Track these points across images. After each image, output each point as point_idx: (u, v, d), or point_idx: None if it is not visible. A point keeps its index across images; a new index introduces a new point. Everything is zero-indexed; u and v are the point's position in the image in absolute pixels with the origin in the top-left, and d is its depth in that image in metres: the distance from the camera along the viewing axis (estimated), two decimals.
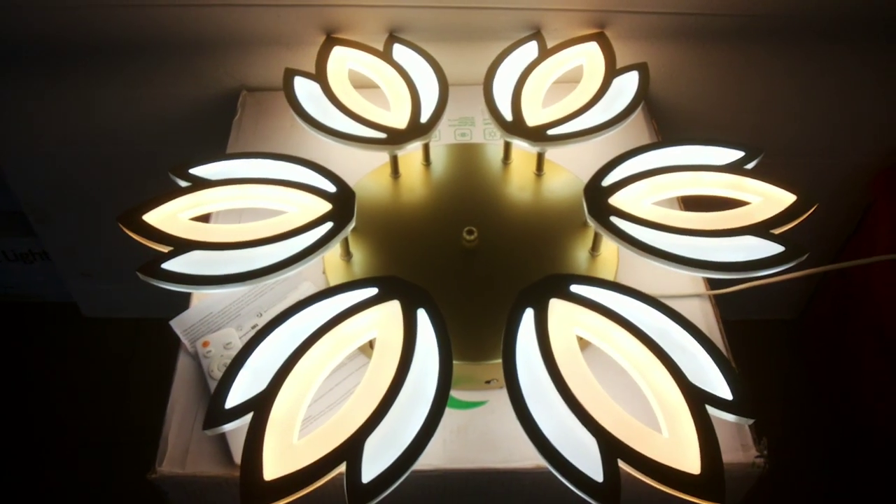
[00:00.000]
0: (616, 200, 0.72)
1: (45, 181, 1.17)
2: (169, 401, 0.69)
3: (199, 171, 0.76)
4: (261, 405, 0.58)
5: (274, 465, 0.55)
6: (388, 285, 0.66)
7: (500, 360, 0.60)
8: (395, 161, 0.83)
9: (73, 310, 1.46)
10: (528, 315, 0.64)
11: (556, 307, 0.64)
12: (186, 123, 1.05)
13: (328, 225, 0.70)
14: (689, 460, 0.55)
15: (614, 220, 0.70)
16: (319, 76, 0.87)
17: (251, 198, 0.75)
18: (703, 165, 0.75)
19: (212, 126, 0.99)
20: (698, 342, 0.62)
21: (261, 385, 0.60)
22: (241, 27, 0.92)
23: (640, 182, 0.74)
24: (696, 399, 0.58)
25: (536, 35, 0.92)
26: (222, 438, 0.66)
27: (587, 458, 0.55)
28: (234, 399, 0.59)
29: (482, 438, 0.66)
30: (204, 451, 0.65)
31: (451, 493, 0.67)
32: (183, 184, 0.75)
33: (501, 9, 0.91)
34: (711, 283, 0.78)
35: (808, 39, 0.93)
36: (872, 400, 1.20)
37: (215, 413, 0.58)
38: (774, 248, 0.68)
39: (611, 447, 0.56)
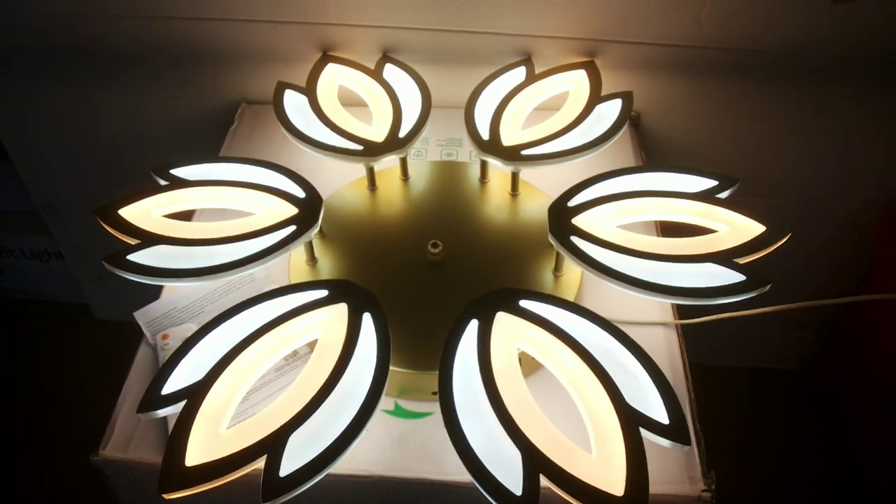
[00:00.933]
0: (580, 221, 0.72)
1: (59, 183, 1.22)
2: (122, 389, 0.70)
3: (179, 171, 0.79)
4: (194, 394, 0.59)
5: (197, 453, 0.56)
6: (339, 288, 0.67)
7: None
8: (371, 173, 0.84)
9: (86, 312, 1.50)
10: (473, 325, 0.63)
11: (502, 320, 0.64)
12: (189, 133, 1.08)
13: (291, 228, 0.72)
14: (614, 481, 0.54)
15: (576, 240, 0.70)
16: (309, 91, 0.89)
17: (223, 199, 0.77)
18: (674, 192, 0.75)
19: (214, 136, 1.02)
20: (641, 364, 0.61)
21: (200, 376, 0.61)
22: (241, 41, 0.95)
23: (607, 205, 0.73)
24: (630, 420, 0.57)
25: (526, 61, 0.93)
26: (165, 428, 0.67)
27: (511, 472, 0.54)
28: (171, 387, 0.60)
29: (422, 449, 0.66)
30: (148, 438, 0.66)
31: (387, 502, 0.66)
32: (163, 183, 0.78)
33: (493, 34, 0.92)
34: (679, 313, 0.76)
35: (802, 77, 0.92)
36: (875, 455, 1.15)
37: (151, 398, 0.59)
38: (736, 277, 0.66)
39: (534, 461, 0.54)
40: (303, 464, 0.55)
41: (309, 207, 0.74)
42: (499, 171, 0.86)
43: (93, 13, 0.94)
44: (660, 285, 0.66)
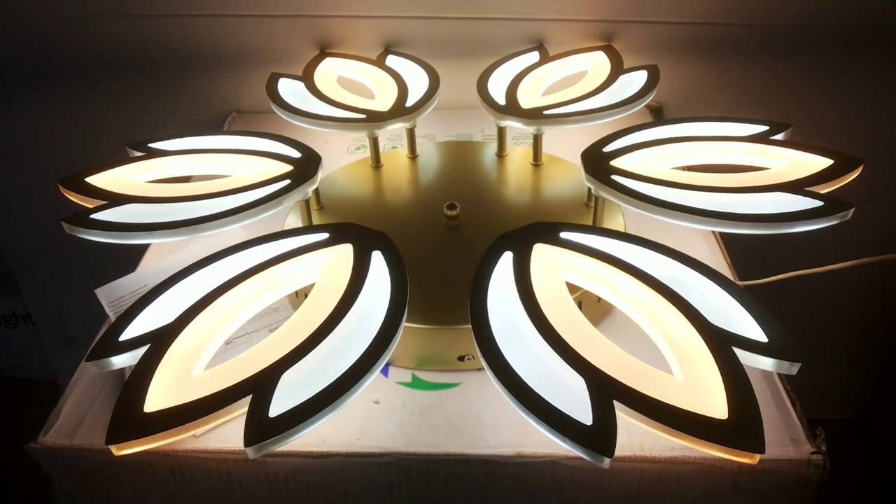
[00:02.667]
0: (620, 163, 0.62)
1: (31, 233, 1.12)
2: (75, 373, 0.57)
3: (159, 145, 0.69)
4: (160, 338, 0.47)
5: (161, 397, 0.43)
6: (342, 229, 0.56)
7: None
8: (375, 147, 0.74)
9: (53, 386, 1.35)
10: (507, 258, 0.52)
11: (542, 251, 0.53)
12: None
13: (286, 182, 0.61)
14: (711, 404, 0.41)
15: (618, 178, 0.60)
16: (306, 77, 0.82)
17: (210, 165, 0.67)
18: (722, 136, 0.66)
19: None
20: (721, 286, 0.49)
21: (169, 321, 0.48)
22: (234, 39, 0.89)
23: (647, 149, 0.64)
24: (720, 339, 0.45)
25: (539, 47, 0.86)
26: None
27: (574, 405, 0.41)
28: (133, 333, 0.48)
29: (450, 422, 0.52)
30: (101, 424, 0.52)
31: (407, 491, 0.51)
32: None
33: (501, 19, 0.87)
34: (741, 275, 0.65)
35: (836, 50, 0.86)
36: None
37: (104, 344, 0.46)
38: (811, 203, 0.56)
39: (603, 387, 0.42)
40: (298, 402, 0.41)
41: (306, 162, 0.64)
42: (518, 145, 0.77)
43: (62, 12, 0.87)
44: (728, 213, 0.55)
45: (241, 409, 0.42)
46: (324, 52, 0.88)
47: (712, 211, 0.55)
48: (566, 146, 0.74)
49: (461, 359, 0.55)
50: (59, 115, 0.97)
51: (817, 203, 0.55)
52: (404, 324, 0.47)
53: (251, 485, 0.51)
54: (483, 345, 0.45)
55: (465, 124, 0.89)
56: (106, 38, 0.90)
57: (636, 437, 0.49)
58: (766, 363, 0.44)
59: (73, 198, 0.62)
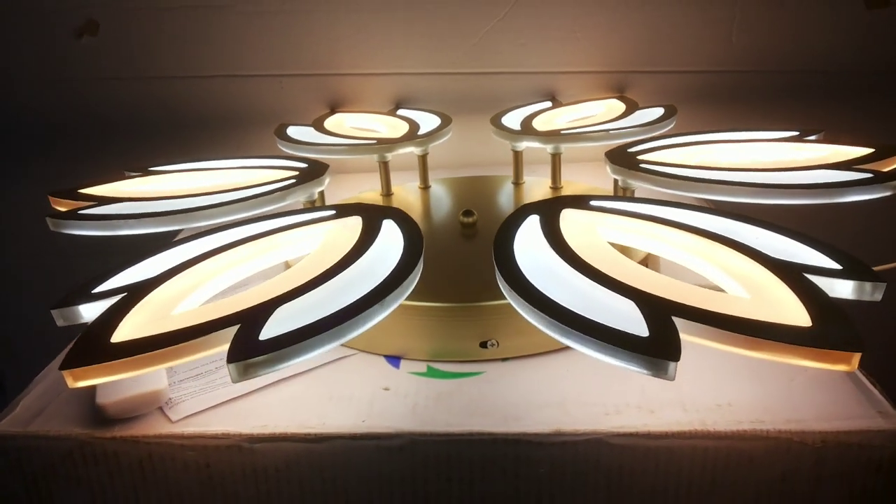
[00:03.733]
0: (646, 158, 0.58)
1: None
2: (42, 372, 0.49)
3: (160, 168, 0.67)
4: (139, 289, 0.40)
5: (132, 328, 0.36)
6: (350, 207, 0.51)
7: (496, 302, 0.43)
8: (385, 171, 0.71)
9: None
10: (532, 220, 0.47)
11: (572, 214, 0.47)
12: None
13: (291, 181, 0.57)
14: (791, 316, 0.34)
15: (646, 166, 0.56)
16: (315, 124, 0.80)
17: (210, 178, 0.63)
18: (752, 138, 0.62)
19: None
20: (778, 232, 0.43)
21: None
22: (244, 98, 0.88)
23: (674, 150, 0.60)
24: (789, 269, 0.38)
25: (551, 100, 0.86)
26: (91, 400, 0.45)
27: (626, 324, 0.34)
28: (110, 285, 0.42)
29: (472, 405, 0.44)
30: (64, 413, 0.44)
31: (423, 483, 0.42)
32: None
33: (513, 73, 0.86)
34: None
35: (852, 96, 0.85)
36: None
37: (75, 293, 0.40)
38: (862, 175, 0.51)
39: (659, 305, 0.35)
40: (291, 329, 0.35)
41: (313, 167, 0.61)
42: (534, 178, 0.74)
43: (74, 75, 0.88)
44: (775, 184, 0.50)
45: (226, 341, 0.35)
46: (334, 111, 0.88)
47: (756, 183, 0.50)
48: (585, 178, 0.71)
49: (483, 345, 0.48)
50: (66, 174, 0.95)
51: (867, 175, 0.51)
52: (419, 271, 0.41)
53: (234, 481, 0.42)
54: (510, 279, 0.38)
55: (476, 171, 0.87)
56: (117, 100, 0.90)
57: (695, 412, 0.41)
58: (845, 289, 0.37)
59: (58, 204, 0.58)
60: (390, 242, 0.44)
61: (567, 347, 0.41)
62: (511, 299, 0.38)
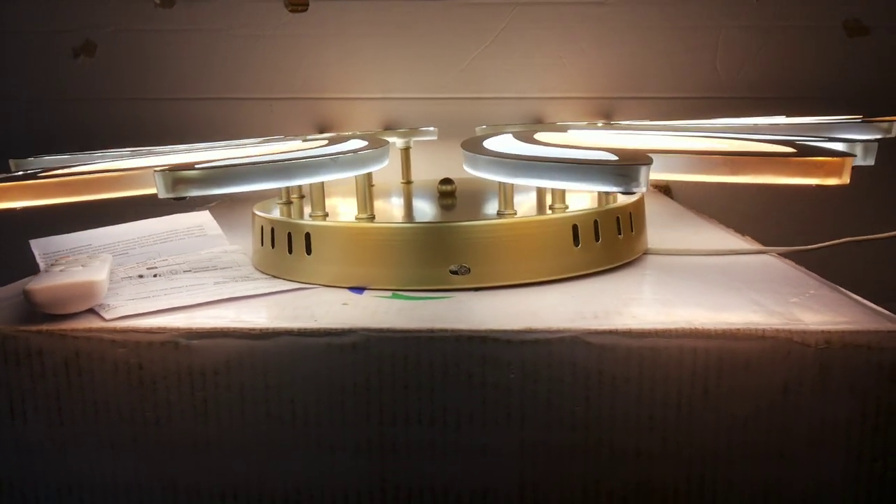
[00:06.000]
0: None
1: None
2: None
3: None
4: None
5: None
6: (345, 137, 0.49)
7: (468, 222, 0.41)
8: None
9: None
10: (505, 136, 0.45)
11: (547, 135, 0.45)
12: None
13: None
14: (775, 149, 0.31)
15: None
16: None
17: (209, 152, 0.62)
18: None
19: None
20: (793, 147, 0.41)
21: None
22: (234, 120, 0.89)
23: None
24: (806, 146, 0.36)
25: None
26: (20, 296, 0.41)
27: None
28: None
29: (437, 313, 0.39)
30: None
31: (377, 391, 0.37)
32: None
33: (501, 98, 0.87)
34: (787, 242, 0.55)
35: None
36: None
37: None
38: (849, 118, 0.49)
39: (633, 152, 0.32)
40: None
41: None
42: None
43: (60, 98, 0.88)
44: (765, 125, 0.48)
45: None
46: (323, 133, 0.88)
47: (740, 126, 0.49)
48: None
49: (454, 272, 0.44)
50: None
51: (856, 118, 0.49)
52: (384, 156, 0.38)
53: (168, 386, 0.37)
54: (473, 147, 0.36)
55: None
56: (108, 121, 0.90)
57: (682, 307, 0.37)
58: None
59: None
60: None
61: (543, 281, 0.39)
62: (472, 160, 0.35)
